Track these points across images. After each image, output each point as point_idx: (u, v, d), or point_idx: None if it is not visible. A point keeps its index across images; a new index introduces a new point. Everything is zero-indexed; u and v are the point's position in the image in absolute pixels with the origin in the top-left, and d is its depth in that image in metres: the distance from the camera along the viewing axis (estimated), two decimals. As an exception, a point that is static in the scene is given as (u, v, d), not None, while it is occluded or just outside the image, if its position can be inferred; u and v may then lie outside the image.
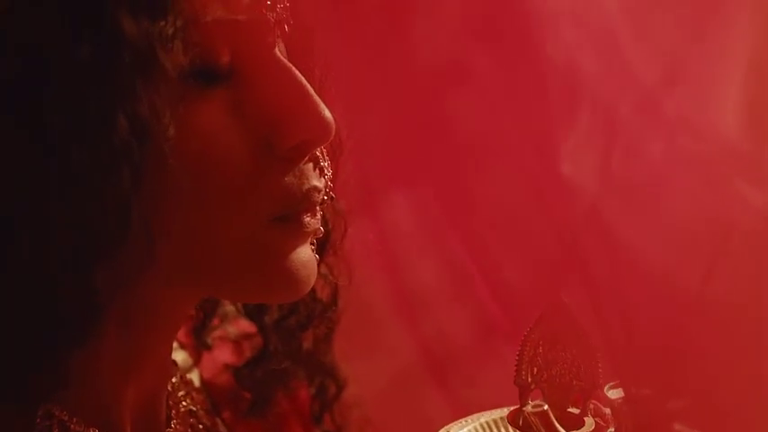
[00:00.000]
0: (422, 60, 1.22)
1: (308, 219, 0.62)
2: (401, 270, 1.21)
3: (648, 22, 1.09)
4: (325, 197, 0.64)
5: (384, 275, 1.17)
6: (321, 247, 0.72)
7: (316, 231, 0.64)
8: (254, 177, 0.60)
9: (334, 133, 0.61)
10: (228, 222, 0.60)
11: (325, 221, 0.69)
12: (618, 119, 1.10)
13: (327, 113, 0.61)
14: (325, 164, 0.64)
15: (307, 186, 0.62)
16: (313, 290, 0.66)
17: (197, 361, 0.79)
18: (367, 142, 1.04)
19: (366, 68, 1.21)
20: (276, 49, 0.62)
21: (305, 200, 0.62)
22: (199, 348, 0.79)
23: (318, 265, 0.66)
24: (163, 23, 0.54)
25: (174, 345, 0.73)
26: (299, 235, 0.62)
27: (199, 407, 0.76)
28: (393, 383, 1.09)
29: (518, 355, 0.67)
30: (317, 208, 0.63)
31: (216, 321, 0.81)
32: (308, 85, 0.61)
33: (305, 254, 0.63)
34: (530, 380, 0.65)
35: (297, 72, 0.62)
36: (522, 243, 1.18)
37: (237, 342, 0.81)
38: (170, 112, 0.55)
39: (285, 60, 0.62)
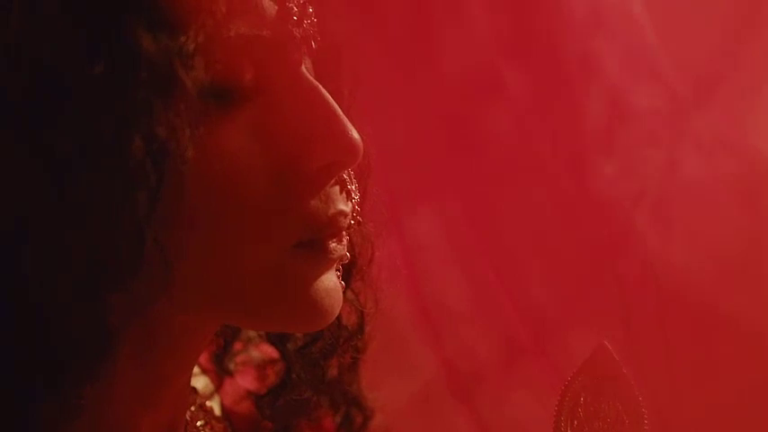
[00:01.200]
0: (450, 75, 1.18)
1: (334, 245, 0.57)
2: (427, 287, 1.17)
3: (682, 39, 1.04)
4: (352, 222, 0.59)
5: (409, 292, 1.12)
6: (347, 273, 0.67)
7: (341, 257, 0.59)
8: (278, 201, 0.55)
9: (362, 155, 0.57)
10: (249, 249, 0.55)
11: (351, 245, 0.64)
12: (651, 136, 1.06)
13: (355, 134, 0.56)
14: (353, 186, 0.59)
15: (333, 211, 0.57)
16: (339, 316, 0.62)
17: (218, 387, 0.75)
18: (394, 158, 1.00)
19: (394, 83, 1.17)
20: (302, 67, 0.57)
21: (330, 225, 0.57)
22: (220, 374, 0.75)
23: (344, 291, 0.61)
24: (183, 39, 0.50)
25: (196, 370, 0.69)
26: (323, 262, 0.57)
27: (218, 437, 0.71)
28: (416, 403, 1.05)
29: (557, 406, 0.61)
30: (344, 233, 0.58)
31: (239, 346, 0.76)
32: (335, 105, 0.57)
33: (330, 281, 0.58)
34: (570, 434, 0.59)
35: (323, 91, 0.57)
36: (551, 262, 1.13)
37: (261, 367, 0.76)
38: (189, 132, 0.51)
39: (311, 78, 0.57)
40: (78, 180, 0.48)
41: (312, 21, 0.58)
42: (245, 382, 0.75)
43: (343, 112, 0.59)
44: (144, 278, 0.50)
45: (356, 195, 0.59)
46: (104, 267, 0.49)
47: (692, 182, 1.08)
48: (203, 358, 0.73)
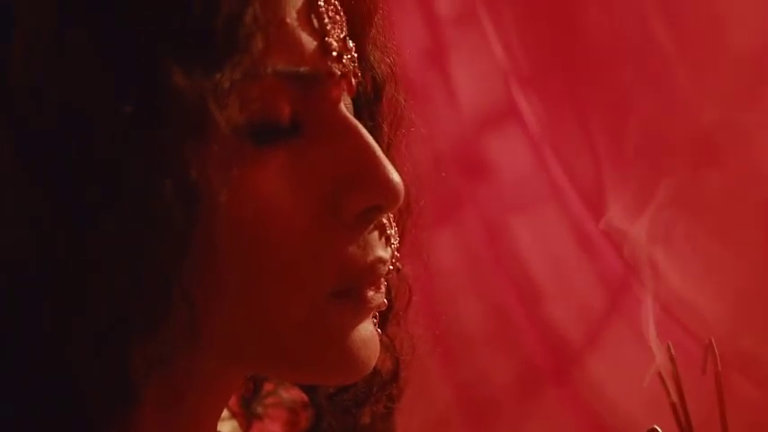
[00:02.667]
0: (467, 101, 1.15)
1: (372, 293, 0.52)
2: (442, 312, 1.14)
3: (706, 64, 1.02)
4: (391, 268, 0.55)
5: (424, 316, 1.09)
6: (383, 319, 0.63)
7: (379, 306, 0.54)
8: (314, 248, 0.50)
9: (402, 199, 0.52)
10: (283, 297, 0.50)
11: (388, 290, 0.60)
12: (668, 166, 1.03)
13: (396, 177, 0.52)
14: (392, 231, 0.54)
15: (371, 258, 0.52)
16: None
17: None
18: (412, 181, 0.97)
19: (411, 107, 1.14)
20: (341, 105, 0.53)
21: (369, 273, 0.51)
22: (249, 418, 0.70)
23: (380, 339, 0.56)
24: (218, 77, 0.45)
25: (224, 413, 0.65)
26: (361, 311, 0.52)
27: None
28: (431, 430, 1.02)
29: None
30: (382, 280, 0.54)
31: (269, 387, 0.71)
32: (375, 145, 0.52)
33: (366, 331, 0.52)
34: None
35: (363, 130, 0.52)
36: (570, 288, 1.10)
37: (292, 411, 0.71)
38: (222, 175, 0.46)
39: (351, 117, 0.53)
40: (103, 226, 0.44)
41: (352, 56, 0.54)
42: (275, 426, 0.71)
43: (384, 150, 0.55)
44: (170, 329, 0.46)
45: (396, 241, 0.55)
46: (128, 318, 0.45)
47: (707, 213, 1.05)
48: (232, 401, 0.69)
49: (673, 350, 0.59)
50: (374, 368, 0.56)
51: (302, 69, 0.50)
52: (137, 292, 0.45)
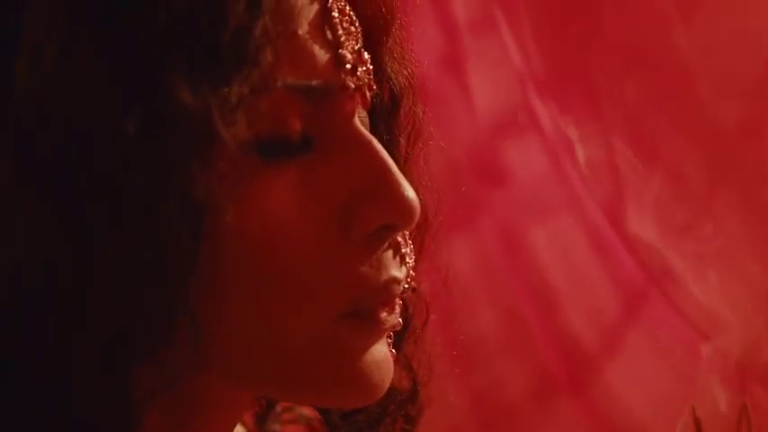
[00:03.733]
0: (484, 108, 1.12)
1: (385, 315, 0.49)
2: (457, 318, 1.11)
3: (726, 67, 0.98)
4: (406, 287, 0.51)
5: (438, 323, 1.07)
6: (399, 338, 0.59)
7: (394, 327, 0.51)
8: (325, 267, 0.46)
9: (417, 217, 0.49)
10: (292, 319, 0.47)
11: (404, 307, 0.56)
12: (688, 171, 1.00)
13: (411, 194, 0.48)
14: (407, 250, 0.51)
15: (385, 277, 0.48)
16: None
17: None
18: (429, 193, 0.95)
19: (428, 114, 1.11)
20: (355, 119, 0.50)
21: (382, 293, 0.48)
22: None
23: (396, 359, 0.53)
24: (225, 91, 0.43)
25: (241, 430, 0.62)
26: (374, 333, 0.49)
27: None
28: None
29: None
30: (396, 301, 0.51)
31: (285, 403, 0.68)
32: (391, 161, 0.49)
33: (380, 353, 0.49)
34: None
35: (378, 146, 0.49)
36: (586, 295, 1.07)
37: (309, 427, 0.68)
38: (229, 193, 0.43)
39: (365, 132, 0.50)
40: (105, 244, 0.42)
41: (368, 68, 0.51)
42: None
43: (400, 165, 0.52)
44: (174, 350, 0.43)
45: (411, 259, 0.51)
46: (131, 338, 0.43)
47: (724, 220, 1.02)
48: (249, 418, 0.66)
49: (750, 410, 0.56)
50: (390, 387, 0.53)
51: (314, 83, 0.47)
52: (140, 312, 0.42)
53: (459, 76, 1.08)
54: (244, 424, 0.64)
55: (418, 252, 0.58)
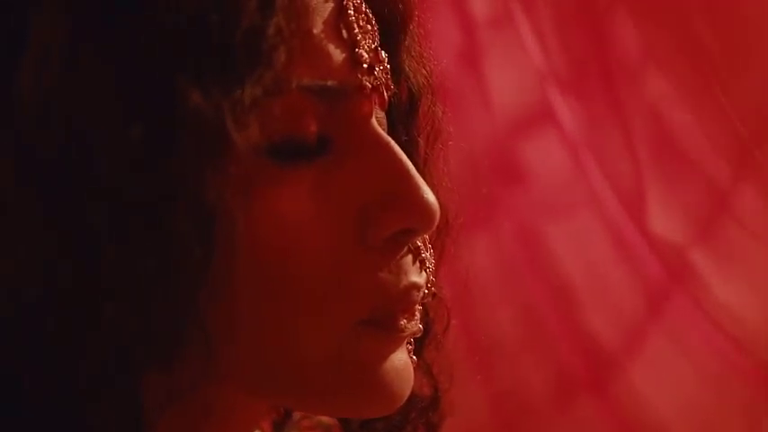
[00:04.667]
0: (503, 105, 1.10)
1: (405, 322, 0.47)
2: (475, 317, 1.09)
3: (749, 65, 0.95)
4: (426, 293, 0.49)
5: (457, 322, 1.04)
6: (420, 344, 0.57)
7: (414, 334, 0.49)
8: (342, 274, 0.44)
9: (437, 221, 0.47)
10: (308, 328, 0.45)
11: (425, 312, 0.54)
12: (709, 171, 0.98)
13: (431, 197, 0.46)
14: (427, 254, 0.49)
15: (404, 283, 0.46)
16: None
17: None
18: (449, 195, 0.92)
19: (446, 112, 1.09)
20: (372, 119, 0.48)
21: (402, 299, 0.45)
22: None
23: (416, 366, 0.51)
24: (238, 94, 0.41)
25: None
26: (393, 341, 0.47)
27: None
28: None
29: None
30: (416, 307, 0.48)
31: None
32: (410, 164, 0.47)
33: (400, 361, 0.47)
34: None
35: (396, 148, 0.47)
36: (606, 294, 1.05)
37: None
38: (242, 199, 0.41)
39: (382, 133, 0.48)
40: (112, 254, 0.40)
41: (385, 67, 0.49)
42: None
43: (419, 166, 0.50)
44: (185, 361, 0.41)
45: (431, 264, 0.49)
46: (139, 350, 0.41)
47: (748, 217, 0.99)
48: (266, 425, 0.64)
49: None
50: (411, 394, 0.51)
51: (329, 83, 0.45)
52: (149, 324, 0.40)
53: (477, 73, 1.06)
54: (261, 431, 0.62)
55: (439, 256, 0.56)
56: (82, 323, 0.40)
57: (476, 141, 1.06)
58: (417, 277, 0.47)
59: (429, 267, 0.49)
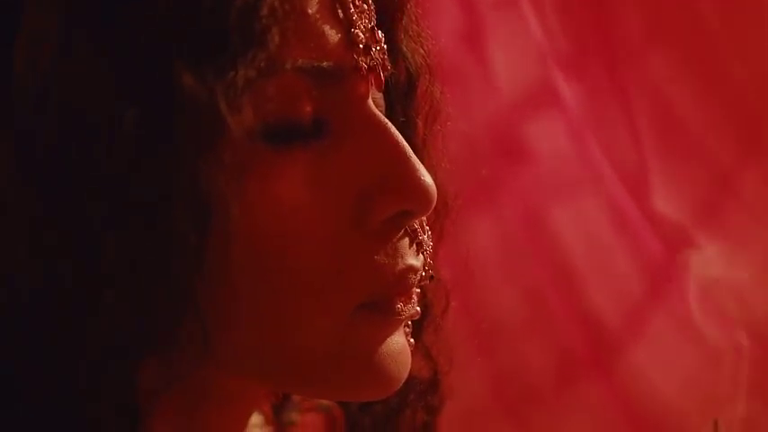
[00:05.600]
0: (505, 85, 1.08)
1: (402, 305, 0.47)
2: (477, 298, 1.08)
3: (752, 43, 0.94)
4: (424, 276, 0.49)
5: (458, 303, 1.03)
6: (418, 326, 0.57)
7: (411, 317, 0.48)
8: (338, 258, 0.44)
9: (434, 203, 0.46)
10: (305, 312, 0.43)
11: (423, 294, 0.54)
12: (712, 150, 0.96)
13: (428, 180, 0.45)
14: (425, 237, 0.48)
15: (401, 266, 0.46)
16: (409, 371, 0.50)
17: None
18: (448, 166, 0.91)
19: (448, 93, 1.07)
20: (369, 101, 0.47)
21: (398, 283, 0.46)
22: (280, 427, 0.64)
23: (415, 348, 0.50)
24: (231, 75, 0.40)
25: (259, 421, 0.60)
26: (390, 324, 0.46)
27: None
28: (468, 424, 0.96)
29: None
30: (414, 290, 0.48)
31: None
32: (406, 145, 0.46)
33: (397, 344, 0.47)
34: None
35: (393, 129, 0.46)
36: (609, 274, 1.04)
37: (329, 415, 0.66)
38: (236, 184, 0.41)
39: (379, 115, 0.47)
40: (107, 240, 0.39)
41: (382, 47, 0.47)
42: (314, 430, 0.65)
43: (417, 148, 0.49)
44: (182, 346, 0.41)
45: (429, 246, 0.48)
46: (136, 335, 0.40)
47: (751, 198, 0.98)
48: (267, 407, 0.63)
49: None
50: (410, 377, 0.51)
51: (325, 64, 0.44)
52: (145, 309, 0.40)
53: (478, 53, 1.04)
54: (262, 413, 0.62)
55: (438, 238, 0.55)
56: (80, 310, 0.40)
57: (478, 122, 1.04)
58: (414, 260, 0.47)
59: (426, 250, 0.48)
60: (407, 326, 0.50)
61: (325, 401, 0.65)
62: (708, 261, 0.97)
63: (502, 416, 0.99)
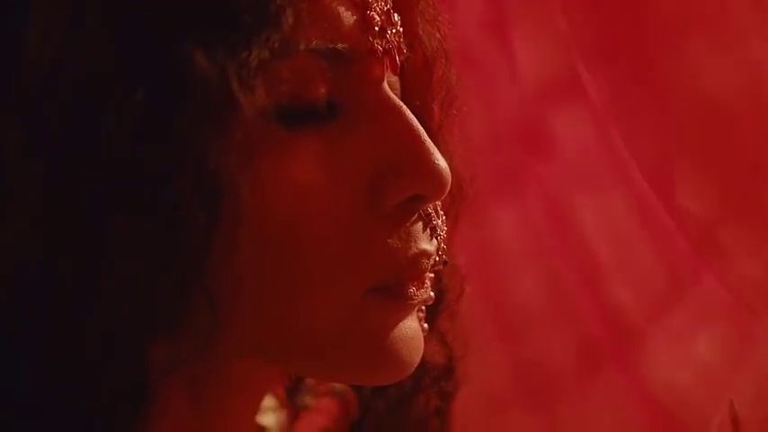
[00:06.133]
0: (528, 75, 1.08)
1: (414, 290, 0.46)
2: (499, 286, 1.08)
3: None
4: (437, 261, 0.48)
5: (480, 290, 1.02)
6: (433, 311, 0.56)
7: (424, 301, 0.48)
8: (351, 242, 0.44)
9: (448, 187, 0.46)
10: (316, 296, 0.44)
11: (438, 280, 0.53)
12: (741, 145, 0.95)
13: (442, 163, 0.45)
14: (439, 221, 0.48)
15: (414, 251, 0.46)
16: (423, 356, 0.50)
17: (293, 423, 0.64)
18: (469, 153, 0.90)
19: (471, 82, 1.06)
20: (384, 84, 0.47)
21: (411, 267, 0.46)
22: (294, 409, 0.64)
23: (429, 334, 0.50)
24: (244, 56, 0.40)
25: (273, 404, 0.60)
26: (402, 308, 0.47)
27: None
28: (487, 411, 0.95)
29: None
30: (426, 275, 0.47)
31: None
32: (421, 129, 0.46)
33: (409, 328, 0.47)
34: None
35: (408, 113, 0.46)
36: (632, 265, 1.03)
37: (343, 399, 0.65)
38: (248, 164, 0.41)
39: (394, 97, 0.47)
40: (113, 218, 0.39)
41: (398, 30, 0.47)
42: (322, 416, 0.65)
43: (433, 132, 0.49)
44: (191, 329, 0.41)
45: (442, 231, 0.48)
46: (145, 318, 0.40)
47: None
48: (281, 390, 0.63)
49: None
50: (423, 362, 0.50)
51: (340, 46, 0.44)
52: (153, 292, 0.40)
53: (504, 43, 1.03)
54: (276, 396, 0.62)
55: (453, 223, 0.55)
56: (88, 289, 0.40)
57: (502, 112, 1.04)
58: (427, 245, 0.46)
59: (440, 235, 0.48)
60: (421, 311, 0.49)
61: (339, 386, 0.65)
62: (731, 256, 0.96)
63: (521, 403, 0.98)
